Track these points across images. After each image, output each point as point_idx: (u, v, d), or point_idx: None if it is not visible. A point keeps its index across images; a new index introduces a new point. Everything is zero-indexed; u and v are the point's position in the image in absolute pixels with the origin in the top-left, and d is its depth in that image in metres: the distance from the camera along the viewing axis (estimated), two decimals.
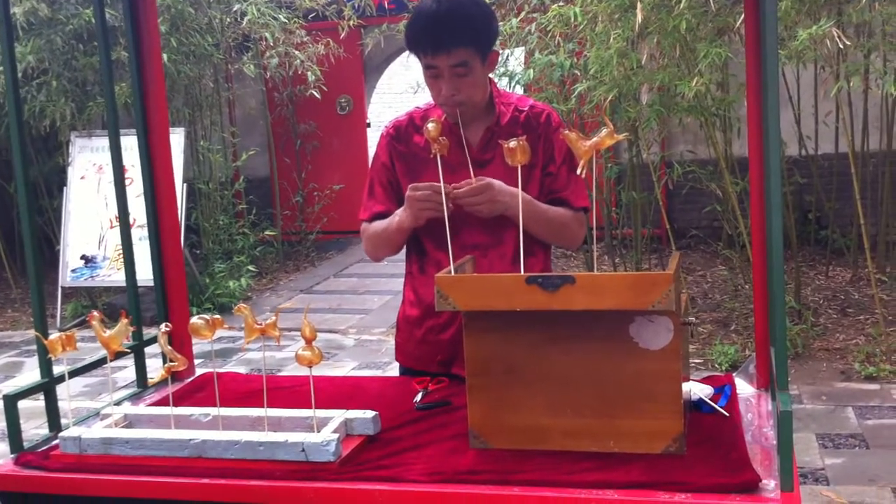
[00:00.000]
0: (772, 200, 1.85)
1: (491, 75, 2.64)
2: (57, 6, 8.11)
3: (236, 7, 8.94)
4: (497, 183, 2.43)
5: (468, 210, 2.41)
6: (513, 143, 2.06)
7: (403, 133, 2.68)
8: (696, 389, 2.21)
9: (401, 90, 11.60)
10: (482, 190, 2.41)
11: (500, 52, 2.53)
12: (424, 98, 2.77)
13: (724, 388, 2.28)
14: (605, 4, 6.07)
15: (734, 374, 2.46)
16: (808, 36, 5.44)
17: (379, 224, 2.66)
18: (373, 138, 11.15)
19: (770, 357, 2.28)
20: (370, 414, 2.11)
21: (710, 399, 2.18)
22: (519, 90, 7.03)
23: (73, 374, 2.38)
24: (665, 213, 7.53)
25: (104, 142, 7.78)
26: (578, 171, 1.93)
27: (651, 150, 7.55)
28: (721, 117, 6.78)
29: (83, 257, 8.23)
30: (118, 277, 7.86)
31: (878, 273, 7.16)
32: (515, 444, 2.01)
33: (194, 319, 1.96)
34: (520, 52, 7.40)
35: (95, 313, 2.12)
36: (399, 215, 2.55)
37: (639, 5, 5.70)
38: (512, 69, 7.09)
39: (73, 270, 8.25)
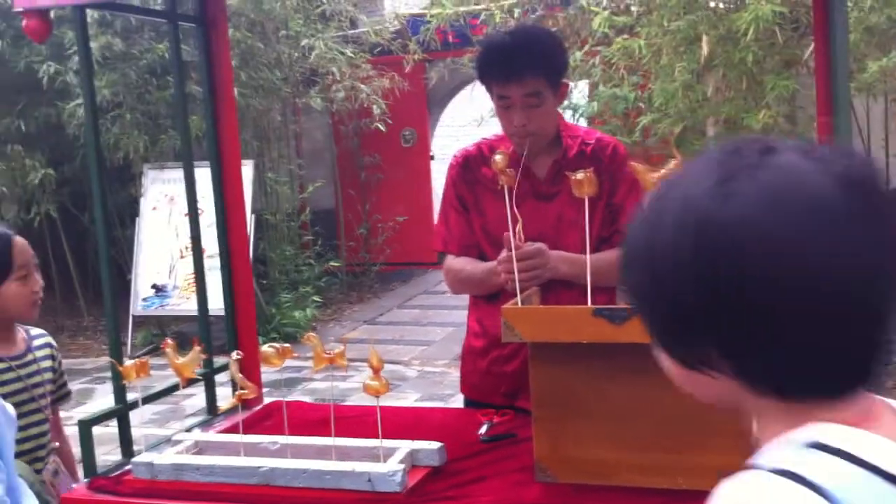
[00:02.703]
0: None
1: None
2: (131, 41, 8.35)
3: (304, 42, 9.12)
4: (553, 255, 2.43)
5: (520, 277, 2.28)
6: (580, 175, 2.07)
7: (472, 163, 2.71)
8: None
9: (464, 123, 11.65)
10: (533, 255, 2.40)
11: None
12: (489, 130, 2.79)
13: None
14: (669, 37, 6.06)
15: None
16: (879, 68, 5.36)
17: (466, 267, 2.67)
18: (436, 170, 11.22)
19: None
20: (436, 445, 2.12)
21: None
22: (583, 123, 7.04)
23: (147, 400, 2.43)
24: None
25: (175, 174, 7.97)
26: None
27: None
28: None
29: (154, 286, 8.41)
30: (188, 306, 8.01)
31: None
32: (582, 478, 2.00)
33: (265, 348, 2.00)
34: (584, 85, 7.41)
35: (169, 341, 2.18)
36: (489, 272, 2.55)
37: (704, 38, 5.69)
38: (576, 102, 7.11)
39: (144, 299, 8.43)
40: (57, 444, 2.67)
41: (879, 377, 0.97)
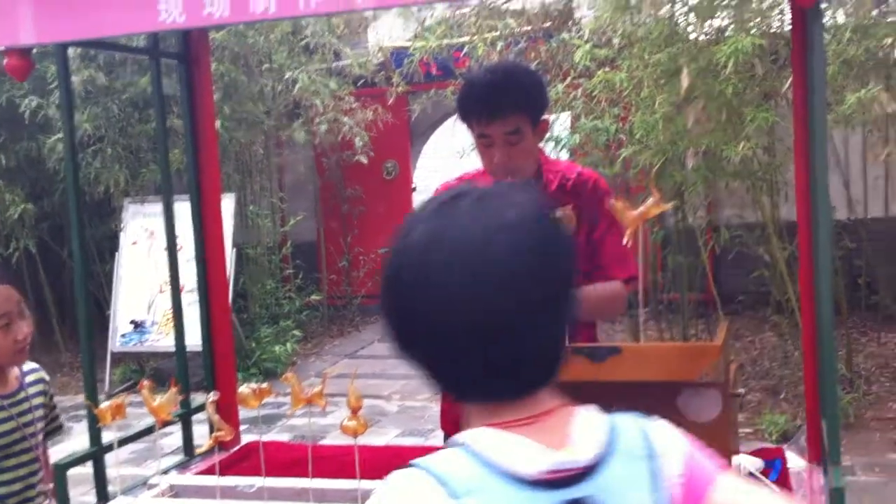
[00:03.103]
0: (820, 269, 1.84)
1: None
2: (114, 75, 8.34)
3: (288, 75, 9.12)
4: None
5: None
6: (559, 213, 2.06)
7: None
8: (746, 463, 2.16)
9: (447, 155, 11.67)
10: None
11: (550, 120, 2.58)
12: (471, 162, 2.79)
13: (774, 462, 2.23)
14: (650, 70, 6.10)
15: (785, 447, 2.41)
16: (857, 100, 5.41)
17: None
18: (418, 202, 11.21)
19: (821, 429, 2.23)
20: None
21: (760, 473, 2.13)
22: (565, 154, 7.06)
23: (122, 442, 2.39)
24: (712, 277, 7.46)
25: (156, 208, 7.93)
26: (625, 241, 1.93)
27: (697, 215, 7.51)
28: (768, 181, 6.74)
29: (133, 322, 8.34)
30: (166, 343, 7.94)
31: None
32: None
33: (242, 389, 1.98)
34: (566, 117, 7.45)
35: (145, 382, 2.15)
36: None
37: (684, 70, 5.72)
38: (558, 134, 7.13)
39: (123, 335, 8.36)
40: (51, 485, 2.62)
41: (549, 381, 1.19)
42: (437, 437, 6.43)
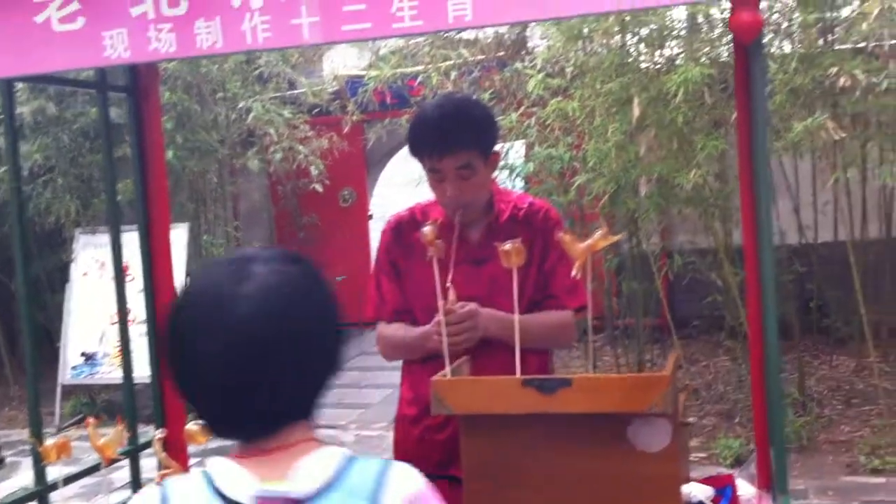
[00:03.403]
0: (766, 295, 1.86)
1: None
2: (64, 105, 8.25)
3: (242, 104, 9.09)
4: (484, 313, 2.44)
5: (449, 341, 2.31)
6: (508, 246, 2.07)
7: (405, 228, 2.71)
8: (696, 491, 2.17)
9: (403, 182, 11.69)
10: (466, 317, 2.41)
11: (502, 146, 2.60)
12: (425, 190, 2.80)
13: (725, 490, 2.25)
14: (602, 99, 6.17)
15: (735, 474, 2.42)
16: (804, 128, 5.51)
17: (398, 333, 2.66)
18: (375, 230, 11.19)
19: (770, 456, 2.25)
20: None
21: (711, 501, 2.14)
22: (520, 182, 7.11)
23: (68, 481, 2.35)
24: (666, 303, 7.52)
25: (107, 238, 7.82)
26: (574, 273, 1.94)
27: (651, 241, 7.58)
28: (720, 207, 6.83)
29: (83, 354, 8.20)
30: (118, 375, 7.76)
31: (882, 362, 7.11)
32: None
33: (190, 425, 1.95)
34: (520, 146, 7.49)
35: (91, 419, 2.11)
36: (422, 337, 2.54)
37: (635, 99, 5.80)
38: (512, 162, 7.17)
39: (74, 367, 8.21)
40: None
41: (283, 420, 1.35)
42: None
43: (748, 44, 2.03)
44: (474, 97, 6.22)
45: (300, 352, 1.34)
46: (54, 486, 2.29)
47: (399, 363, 2.84)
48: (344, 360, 1.48)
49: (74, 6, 2.16)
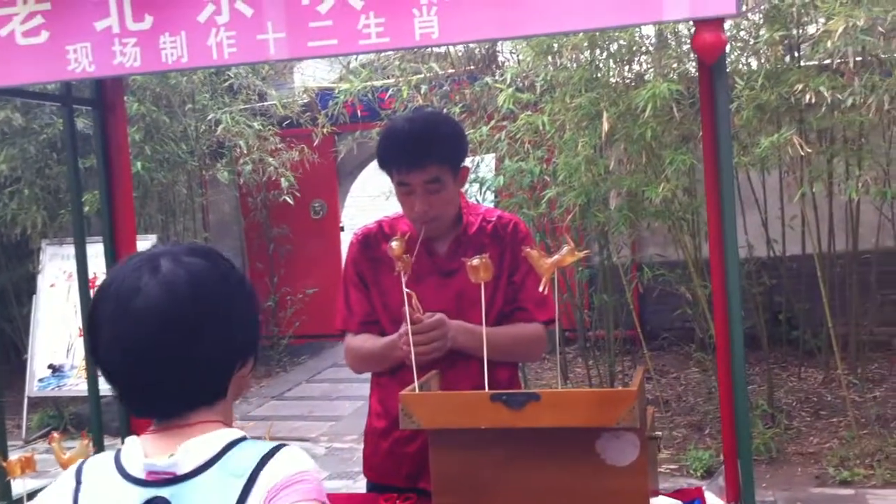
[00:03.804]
0: (731, 309, 1.87)
1: None
2: (31, 116, 8.19)
3: (211, 116, 9.06)
4: (453, 324, 2.44)
5: (417, 350, 2.32)
6: (475, 261, 2.08)
7: (373, 241, 2.72)
8: None
9: (374, 194, 11.66)
10: (434, 326, 2.41)
11: (472, 160, 2.60)
12: (396, 202, 2.80)
13: (694, 503, 2.26)
14: (572, 113, 6.20)
15: (704, 487, 2.44)
16: (770, 144, 5.57)
17: (366, 344, 2.66)
18: (346, 242, 11.14)
19: (738, 469, 2.27)
20: None
21: None
22: (490, 196, 7.12)
23: (32, 496, 2.31)
24: (637, 315, 7.56)
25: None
26: (541, 288, 1.94)
27: (621, 254, 7.63)
28: (688, 221, 6.88)
29: (51, 366, 8.11)
30: (85, 387, 7.72)
31: (850, 374, 7.18)
32: None
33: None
34: (490, 159, 7.51)
35: (55, 434, 2.09)
36: (389, 346, 2.54)
37: (605, 114, 5.84)
38: (483, 175, 7.19)
39: (41, 380, 8.12)
40: None
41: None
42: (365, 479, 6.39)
43: (711, 63, 2.05)
44: (444, 112, 6.24)
45: (200, 340, 1.44)
46: (20, 502, 2.26)
47: (370, 375, 2.83)
48: (255, 350, 1.58)
49: (38, 20, 2.15)
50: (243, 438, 1.48)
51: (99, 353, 1.49)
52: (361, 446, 2.79)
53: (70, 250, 8.13)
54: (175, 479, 1.42)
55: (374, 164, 9.56)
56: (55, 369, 8.10)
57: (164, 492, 1.41)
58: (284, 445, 1.48)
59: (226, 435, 1.47)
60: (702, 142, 6.27)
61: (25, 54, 2.14)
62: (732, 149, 2.26)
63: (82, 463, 1.52)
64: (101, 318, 1.46)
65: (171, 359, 1.43)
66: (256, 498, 1.40)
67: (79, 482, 1.48)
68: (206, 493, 1.41)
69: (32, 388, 8.13)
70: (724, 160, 1.96)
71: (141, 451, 1.46)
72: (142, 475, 1.43)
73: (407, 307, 2.30)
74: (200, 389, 1.49)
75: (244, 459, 1.43)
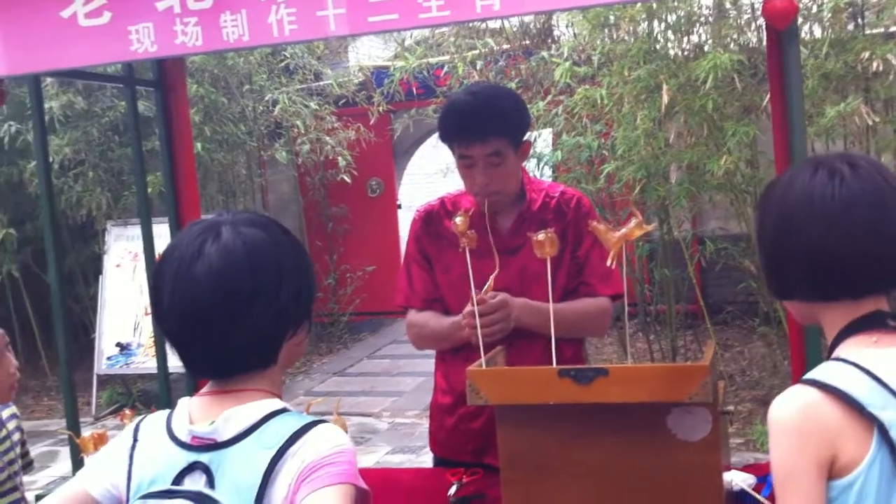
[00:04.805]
0: None
1: None
2: (93, 99, 8.32)
3: (268, 96, 9.13)
4: (517, 303, 2.42)
5: (482, 332, 2.29)
6: (541, 236, 2.05)
7: (435, 217, 2.70)
8: (737, 479, 2.15)
9: (431, 171, 11.66)
10: (497, 307, 2.39)
11: (529, 135, 2.57)
12: (453, 179, 2.79)
13: (766, 478, 2.22)
14: (630, 86, 6.12)
15: None
16: (837, 113, 5.44)
17: (429, 322, 2.65)
18: (404, 219, 11.19)
19: None
20: None
21: (752, 489, 2.12)
22: (547, 171, 7.07)
23: None
24: (699, 289, 7.46)
25: (139, 230, 7.87)
26: (608, 263, 1.92)
27: (682, 228, 7.53)
28: (752, 194, 6.75)
29: (118, 345, 8.28)
30: (153, 364, 7.87)
31: None
32: None
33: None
34: (547, 134, 7.45)
35: (127, 411, 2.12)
36: (454, 327, 2.53)
37: (664, 86, 5.75)
38: (540, 151, 7.13)
39: (109, 358, 8.29)
40: None
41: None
42: (428, 454, 6.39)
43: (782, 30, 2.00)
44: (506, 86, 6.19)
45: (253, 307, 1.48)
46: None
47: (432, 352, 2.83)
48: (308, 320, 1.61)
49: (100, 1, 2.17)
50: (284, 410, 1.51)
51: (160, 315, 1.54)
52: (423, 422, 2.82)
53: (133, 231, 8.29)
54: (215, 446, 1.47)
55: (430, 141, 9.60)
56: (123, 347, 8.27)
57: (204, 457, 1.46)
58: (321, 422, 1.50)
59: (267, 405, 1.50)
60: (765, 112, 6.16)
61: (88, 36, 2.16)
62: (804, 110, 2.21)
63: (140, 421, 1.59)
64: (164, 279, 1.51)
65: (224, 323, 1.47)
66: (287, 474, 1.42)
67: (135, 440, 1.55)
68: (240, 462, 1.44)
69: (101, 366, 8.31)
70: (797, 131, 1.91)
71: (187, 415, 1.52)
72: (187, 439, 1.49)
73: (472, 290, 2.28)
74: (251, 354, 1.52)
75: (277, 433, 1.46)
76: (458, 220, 2.26)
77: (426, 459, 6.31)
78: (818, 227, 1.46)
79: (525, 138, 2.57)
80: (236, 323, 1.47)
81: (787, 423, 1.39)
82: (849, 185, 1.46)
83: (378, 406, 7.82)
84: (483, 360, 2.08)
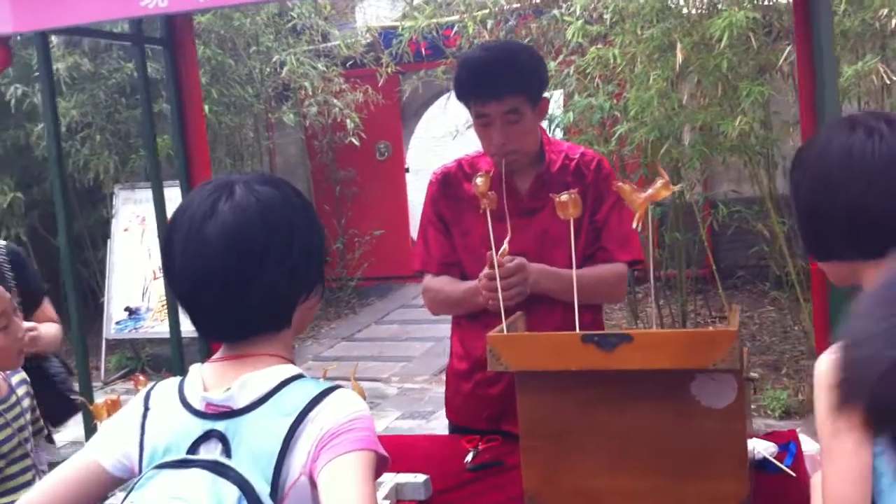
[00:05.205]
0: None
1: None
2: (99, 61, 8.23)
3: (276, 58, 9.03)
4: (534, 268, 2.37)
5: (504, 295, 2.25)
6: (564, 197, 2.00)
7: (452, 179, 2.65)
8: (759, 447, 2.11)
9: (439, 135, 11.58)
10: (514, 271, 2.34)
11: (549, 94, 2.52)
12: (463, 142, 2.73)
13: (788, 446, 2.18)
14: (643, 45, 6.02)
15: (798, 430, 2.36)
16: (854, 72, 5.34)
17: (446, 287, 2.60)
18: (412, 183, 11.12)
19: None
20: (421, 478, 2.05)
21: (774, 457, 2.08)
22: (559, 133, 6.99)
23: None
24: (710, 253, 7.40)
25: (147, 194, 7.82)
26: (634, 224, 1.87)
27: (694, 190, 7.45)
28: (765, 155, 6.67)
29: (127, 309, 8.27)
30: (162, 329, 7.87)
31: None
32: None
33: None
34: (559, 95, 7.36)
35: (141, 377, 2.08)
36: (470, 292, 2.49)
37: (678, 45, 5.65)
38: (551, 112, 7.04)
39: (118, 322, 8.28)
40: None
41: None
42: (437, 419, 6.40)
43: None
44: (523, 42, 6.09)
45: (266, 266, 1.45)
46: None
47: (440, 317, 2.79)
48: (320, 283, 1.58)
49: None
50: (299, 376, 1.48)
51: (172, 276, 1.52)
52: (433, 387, 2.78)
53: (142, 194, 8.25)
54: (231, 413, 1.44)
55: (439, 103, 9.49)
56: (131, 312, 8.25)
57: (219, 425, 1.43)
58: (338, 388, 1.47)
59: (282, 371, 1.48)
60: (779, 72, 6.04)
61: None
62: (834, 71, 2.14)
63: (151, 388, 1.56)
64: (176, 238, 1.48)
65: (237, 282, 1.45)
66: (306, 441, 1.40)
67: (146, 408, 1.52)
68: (257, 430, 1.41)
69: (110, 330, 8.31)
70: (829, 89, 1.85)
71: (201, 382, 1.49)
72: (201, 407, 1.46)
73: (493, 252, 2.24)
74: (264, 314, 1.50)
75: (295, 398, 1.43)
76: (479, 180, 2.21)
77: (435, 425, 6.31)
78: (857, 184, 1.44)
79: (543, 96, 2.50)
80: (249, 282, 1.45)
81: (831, 378, 1.36)
82: (888, 143, 1.44)
83: (387, 371, 7.81)
84: (504, 325, 2.03)
